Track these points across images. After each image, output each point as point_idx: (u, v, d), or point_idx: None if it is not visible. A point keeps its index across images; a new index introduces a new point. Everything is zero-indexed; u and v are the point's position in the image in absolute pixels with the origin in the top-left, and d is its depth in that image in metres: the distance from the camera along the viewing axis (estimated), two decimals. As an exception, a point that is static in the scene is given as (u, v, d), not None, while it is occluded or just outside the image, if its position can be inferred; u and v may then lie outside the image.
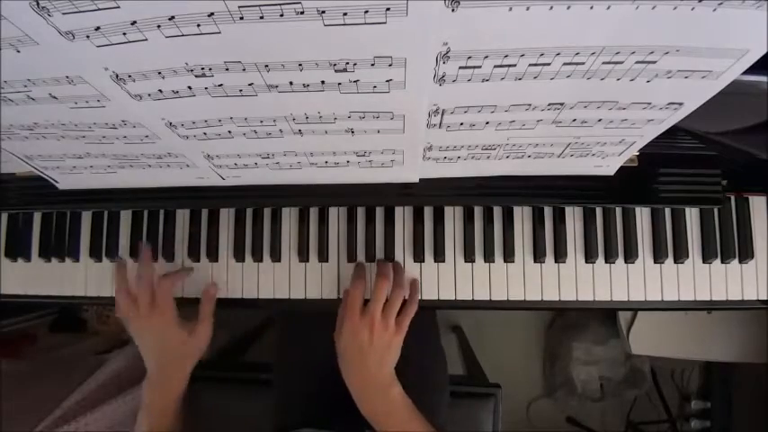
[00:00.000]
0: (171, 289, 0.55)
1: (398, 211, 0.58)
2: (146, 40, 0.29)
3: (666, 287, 0.56)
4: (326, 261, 0.58)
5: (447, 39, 0.29)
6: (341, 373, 0.54)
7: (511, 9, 0.27)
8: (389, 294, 0.53)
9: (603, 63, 0.32)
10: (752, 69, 0.32)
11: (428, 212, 0.58)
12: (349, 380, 0.53)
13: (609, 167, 0.51)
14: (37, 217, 0.62)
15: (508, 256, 0.56)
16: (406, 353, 0.54)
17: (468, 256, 0.57)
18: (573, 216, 0.57)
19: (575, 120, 0.40)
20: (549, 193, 0.54)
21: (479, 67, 0.32)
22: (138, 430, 0.57)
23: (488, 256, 0.56)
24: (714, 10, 0.27)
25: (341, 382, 0.54)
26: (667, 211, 0.56)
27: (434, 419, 0.54)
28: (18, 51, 0.30)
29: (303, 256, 0.58)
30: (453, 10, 0.26)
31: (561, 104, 0.38)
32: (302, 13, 0.27)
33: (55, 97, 0.36)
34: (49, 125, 0.41)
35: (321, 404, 0.63)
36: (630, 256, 0.56)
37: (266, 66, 0.32)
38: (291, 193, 0.54)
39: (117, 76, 0.33)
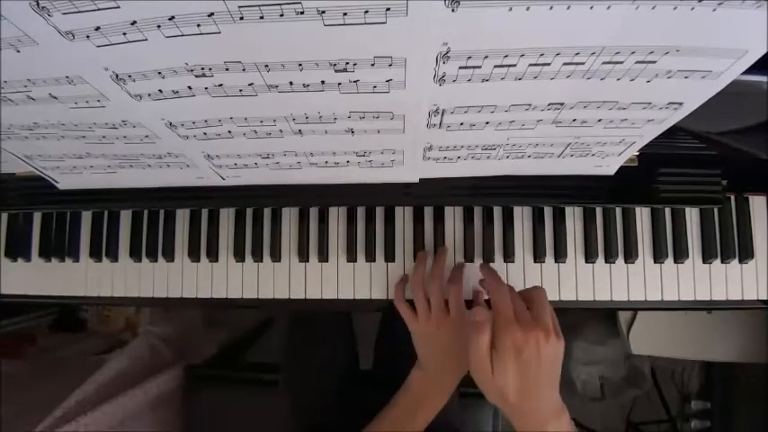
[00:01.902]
0: (462, 294, 0.52)
1: (398, 211, 0.58)
2: (146, 40, 0.29)
3: (666, 287, 0.56)
4: (326, 261, 0.58)
5: (447, 39, 0.29)
6: (356, 374, 0.52)
7: (511, 9, 0.27)
8: (518, 296, 0.46)
9: (603, 63, 0.32)
10: (752, 69, 0.32)
11: (428, 212, 0.58)
12: (516, 411, 0.43)
13: (609, 167, 0.51)
14: (37, 217, 0.62)
15: (508, 255, 0.56)
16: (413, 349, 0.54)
17: (468, 256, 0.57)
18: (573, 216, 0.57)
19: (575, 120, 0.40)
20: (549, 193, 0.54)
21: (479, 67, 0.32)
22: (401, 417, 0.52)
23: (488, 257, 0.56)
24: (714, 10, 0.27)
25: (358, 382, 0.53)
26: (667, 211, 0.56)
27: (452, 417, 0.53)
28: (18, 51, 0.30)
29: (303, 256, 0.58)
30: (453, 10, 0.26)
31: (561, 104, 0.38)
32: (302, 13, 0.27)
33: (55, 97, 0.36)
34: (49, 125, 0.41)
35: (339, 405, 0.63)
36: (630, 256, 0.56)
37: (266, 66, 0.32)
38: (291, 193, 0.54)
39: (117, 76, 0.33)
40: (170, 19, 0.27)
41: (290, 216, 0.59)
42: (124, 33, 0.28)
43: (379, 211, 0.58)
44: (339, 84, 0.34)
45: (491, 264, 0.56)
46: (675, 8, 0.27)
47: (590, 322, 1.27)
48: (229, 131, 0.41)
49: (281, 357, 0.76)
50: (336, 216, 0.59)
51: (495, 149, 0.46)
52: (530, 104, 0.37)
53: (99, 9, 0.26)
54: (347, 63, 0.31)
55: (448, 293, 0.52)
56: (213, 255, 0.59)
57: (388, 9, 0.26)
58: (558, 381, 0.44)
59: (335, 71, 0.32)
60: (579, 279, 0.56)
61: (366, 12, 0.27)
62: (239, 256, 0.59)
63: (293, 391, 0.72)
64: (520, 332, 0.41)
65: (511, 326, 0.41)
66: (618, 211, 0.57)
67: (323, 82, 0.33)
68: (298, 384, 0.72)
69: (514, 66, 0.32)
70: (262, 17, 0.27)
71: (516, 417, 0.43)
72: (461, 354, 0.48)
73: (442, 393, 0.52)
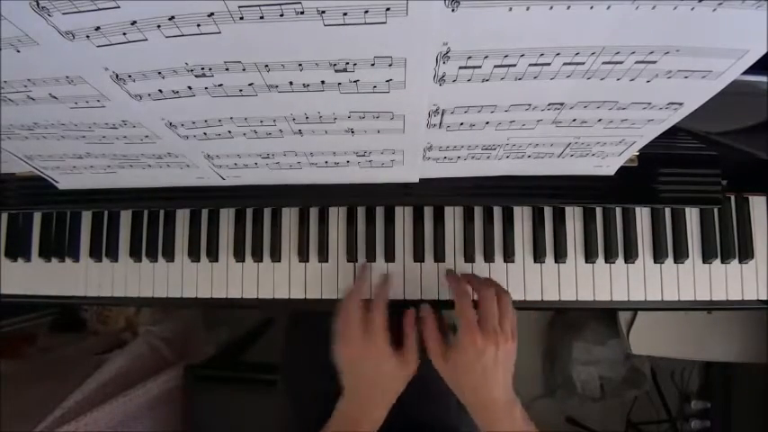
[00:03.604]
0: (386, 310, 0.51)
1: (398, 211, 0.58)
2: (146, 40, 0.29)
3: (666, 287, 0.56)
4: (326, 261, 0.58)
5: (447, 39, 0.29)
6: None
7: (511, 9, 0.27)
8: (494, 301, 0.49)
9: (603, 63, 0.32)
10: (752, 69, 0.32)
11: (428, 212, 0.58)
12: (473, 405, 0.48)
13: (609, 167, 0.51)
14: (37, 217, 0.62)
15: (508, 256, 0.56)
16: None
17: (468, 257, 0.57)
18: (573, 216, 0.57)
19: (575, 120, 0.40)
20: (549, 193, 0.54)
21: (479, 67, 0.32)
22: None
23: (488, 257, 0.57)
24: (714, 10, 0.27)
25: None
26: (667, 211, 0.56)
27: (448, 417, 0.53)
28: (18, 51, 0.30)
29: (303, 256, 0.58)
30: (453, 10, 0.26)
31: (561, 104, 0.38)
32: (302, 13, 0.27)
33: (55, 97, 0.36)
34: (48, 125, 0.41)
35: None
36: (630, 256, 0.56)
37: (266, 66, 0.32)
38: (291, 193, 0.54)
39: (117, 76, 0.33)
40: (170, 19, 0.27)
41: (290, 216, 0.59)
42: (124, 33, 0.28)
43: (379, 211, 0.58)
44: (339, 84, 0.34)
45: (491, 264, 0.57)
46: (675, 8, 0.27)
47: (590, 322, 1.27)
48: (229, 131, 0.41)
49: (280, 357, 0.76)
50: (336, 216, 0.59)
51: (495, 149, 0.46)
52: (530, 104, 0.37)
53: (99, 9, 0.26)
54: (347, 63, 0.31)
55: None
56: (213, 255, 0.59)
57: (388, 9, 0.26)
58: (511, 377, 0.48)
59: (335, 71, 0.32)
60: (579, 279, 0.56)
61: (366, 12, 0.27)
62: (239, 256, 0.59)
63: (293, 390, 0.72)
64: (480, 336, 0.46)
65: (473, 329, 0.46)
66: (618, 211, 0.57)
67: (323, 82, 0.33)
68: (298, 384, 0.72)
69: (514, 66, 0.32)
70: (262, 17, 0.27)
71: (469, 404, 0.48)
72: (386, 383, 0.50)
73: (370, 423, 0.51)
